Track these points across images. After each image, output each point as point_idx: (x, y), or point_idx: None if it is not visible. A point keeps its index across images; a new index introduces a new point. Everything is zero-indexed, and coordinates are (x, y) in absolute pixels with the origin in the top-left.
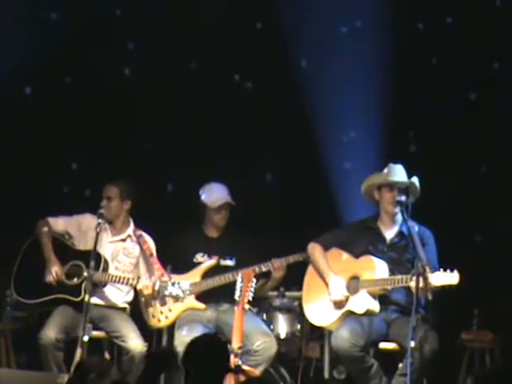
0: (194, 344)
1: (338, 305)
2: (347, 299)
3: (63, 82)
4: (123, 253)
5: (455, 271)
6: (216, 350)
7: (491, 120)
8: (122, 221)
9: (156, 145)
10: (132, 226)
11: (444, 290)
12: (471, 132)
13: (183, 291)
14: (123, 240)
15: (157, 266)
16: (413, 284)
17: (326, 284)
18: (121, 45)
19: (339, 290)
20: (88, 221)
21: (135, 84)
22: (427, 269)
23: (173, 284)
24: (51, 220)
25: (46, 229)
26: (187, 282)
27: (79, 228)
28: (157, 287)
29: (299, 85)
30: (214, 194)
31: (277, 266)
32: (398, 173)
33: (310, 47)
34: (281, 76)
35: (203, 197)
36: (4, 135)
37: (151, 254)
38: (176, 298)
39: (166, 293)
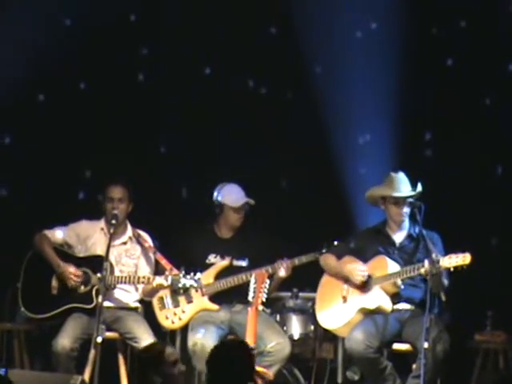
0: (220, 347)
1: (360, 287)
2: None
3: (77, 88)
4: (126, 255)
5: (466, 252)
6: (243, 354)
7: (507, 122)
8: (123, 223)
9: (170, 149)
10: (130, 227)
11: (457, 271)
12: (487, 135)
13: (196, 281)
14: (124, 243)
15: (163, 261)
16: (423, 270)
17: (344, 280)
18: (135, 50)
19: (361, 270)
20: (85, 228)
21: (149, 89)
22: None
23: (184, 276)
24: (48, 233)
25: (46, 242)
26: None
27: (78, 237)
28: (169, 281)
29: (314, 90)
30: (234, 195)
31: (285, 267)
32: (402, 185)
33: (325, 52)
34: (295, 81)
35: (221, 197)
36: (18, 141)
37: (155, 252)
38: (192, 289)
39: (180, 285)
